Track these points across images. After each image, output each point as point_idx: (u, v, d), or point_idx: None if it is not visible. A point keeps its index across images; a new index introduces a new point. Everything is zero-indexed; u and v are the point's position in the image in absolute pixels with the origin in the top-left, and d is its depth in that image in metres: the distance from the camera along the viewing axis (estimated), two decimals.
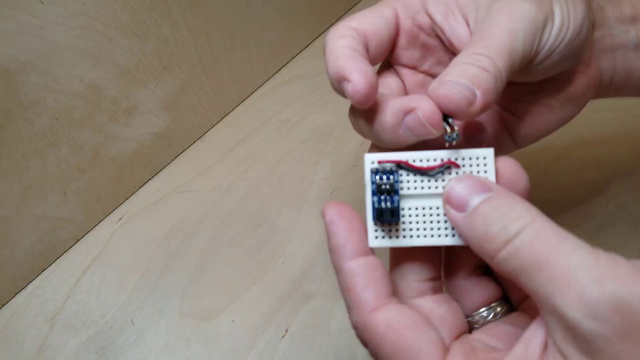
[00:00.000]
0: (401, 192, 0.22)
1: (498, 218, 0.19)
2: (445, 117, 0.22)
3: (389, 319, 0.20)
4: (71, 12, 0.36)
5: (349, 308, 0.22)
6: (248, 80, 0.53)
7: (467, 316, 0.24)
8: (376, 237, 0.22)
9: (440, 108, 0.21)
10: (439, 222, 0.22)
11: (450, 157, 0.22)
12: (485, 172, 0.22)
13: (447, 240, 0.22)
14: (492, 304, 0.24)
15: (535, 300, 0.18)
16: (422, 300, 0.23)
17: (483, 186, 0.20)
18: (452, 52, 0.26)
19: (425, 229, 0.22)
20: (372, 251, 0.22)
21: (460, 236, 0.22)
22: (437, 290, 0.24)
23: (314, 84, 0.54)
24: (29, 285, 0.42)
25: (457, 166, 0.22)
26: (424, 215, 0.22)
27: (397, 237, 0.22)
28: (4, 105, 0.35)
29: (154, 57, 0.43)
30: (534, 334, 0.18)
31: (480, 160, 0.22)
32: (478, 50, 0.22)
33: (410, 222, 0.22)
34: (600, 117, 0.48)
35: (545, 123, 0.29)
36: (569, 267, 0.17)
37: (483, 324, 0.23)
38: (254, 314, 0.39)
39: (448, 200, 0.21)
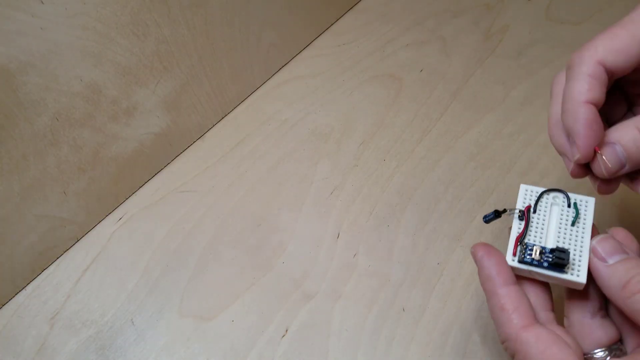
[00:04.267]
0: (544, 244, 0.28)
1: (636, 273, 0.24)
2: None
3: (538, 334, 0.25)
4: (71, 12, 0.36)
5: (501, 324, 0.26)
6: (248, 80, 0.53)
7: (584, 354, 0.27)
8: (579, 276, 0.26)
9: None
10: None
11: (521, 207, 0.29)
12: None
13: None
14: (610, 346, 0.27)
15: None
16: (553, 327, 0.27)
17: (621, 249, 0.26)
18: None
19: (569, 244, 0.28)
20: (518, 285, 0.27)
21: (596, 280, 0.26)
22: (559, 323, 0.28)
23: (314, 84, 0.54)
24: (29, 285, 0.42)
25: (529, 207, 0.29)
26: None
27: (581, 259, 0.27)
28: (4, 105, 0.35)
29: (154, 57, 0.43)
30: None
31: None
32: None
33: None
34: None
35: None
36: None
37: None
38: (254, 314, 0.39)
39: (595, 253, 0.26)
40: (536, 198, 0.29)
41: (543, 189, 0.30)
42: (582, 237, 0.28)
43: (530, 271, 0.27)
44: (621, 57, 0.26)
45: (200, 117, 0.50)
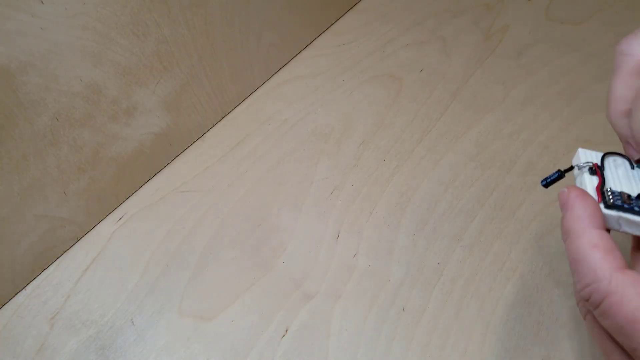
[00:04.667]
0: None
1: None
2: None
3: (636, 276, 0.22)
4: (71, 12, 0.36)
5: (589, 265, 0.23)
6: (248, 80, 0.53)
7: None
8: None
9: None
10: None
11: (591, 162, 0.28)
12: None
13: None
14: None
15: None
16: None
17: None
18: None
19: None
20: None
21: None
22: None
23: (314, 84, 0.54)
24: (29, 285, 0.42)
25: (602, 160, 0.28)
26: None
27: None
28: (4, 105, 0.35)
29: (154, 57, 0.43)
30: None
31: None
32: None
33: None
34: (601, 117, 0.48)
35: None
36: None
37: None
38: (254, 314, 0.39)
39: None
40: (599, 159, 0.28)
41: (603, 152, 0.28)
42: None
43: (619, 219, 0.26)
44: None
45: (200, 117, 0.50)
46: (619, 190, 0.26)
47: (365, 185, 0.45)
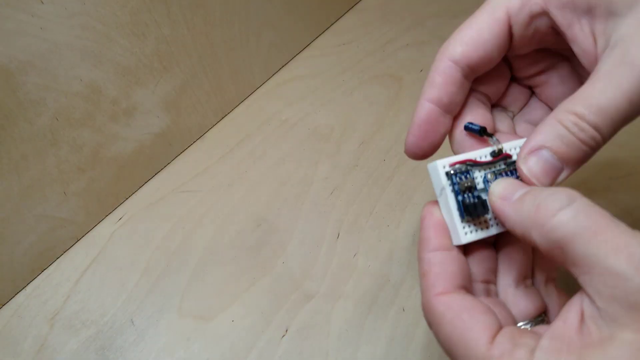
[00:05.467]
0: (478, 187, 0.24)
1: (549, 194, 0.20)
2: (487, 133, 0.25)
3: (450, 302, 0.22)
4: (71, 12, 0.36)
5: (422, 292, 0.23)
6: (248, 80, 0.53)
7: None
8: (466, 234, 0.24)
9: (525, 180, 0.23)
10: None
11: (504, 149, 0.25)
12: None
13: None
14: (536, 319, 0.25)
15: (578, 269, 0.19)
16: (481, 298, 0.24)
17: (524, 185, 0.22)
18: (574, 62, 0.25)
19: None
20: (456, 249, 0.24)
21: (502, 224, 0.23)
22: (491, 294, 0.25)
23: (314, 84, 0.54)
24: (29, 285, 0.42)
25: (510, 156, 0.24)
26: None
27: (488, 227, 0.24)
28: (4, 105, 0.35)
29: (154, 57, 0.43)
30: (570, 308, 0.20)
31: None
32: (583, 110, 0.21)
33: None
34: None
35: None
36: (621, 233, 0.18)
37: None
38: (254, 314, 0.38)
39: (492, 193, 0.23)
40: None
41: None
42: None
43: (441, 189, 0.24)
44: (472, 51, 0.25)
45: (200, 117, 0.50)
46: (481, 176, 0.24)
47: (365, 185, 0.45)
